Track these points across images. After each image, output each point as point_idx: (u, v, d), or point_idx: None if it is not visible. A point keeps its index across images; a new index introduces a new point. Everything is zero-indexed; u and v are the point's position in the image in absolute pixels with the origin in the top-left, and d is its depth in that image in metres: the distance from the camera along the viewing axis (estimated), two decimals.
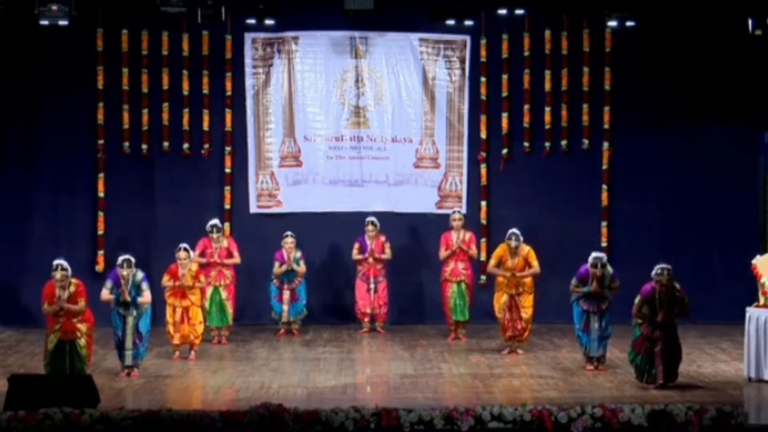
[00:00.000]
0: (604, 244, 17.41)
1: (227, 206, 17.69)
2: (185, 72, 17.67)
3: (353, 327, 17.20)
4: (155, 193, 17.82)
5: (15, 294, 17.41)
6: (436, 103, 17.96)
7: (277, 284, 16.64)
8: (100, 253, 17.43)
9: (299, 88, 17.88)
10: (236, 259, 16.26)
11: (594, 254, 14.02)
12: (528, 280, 15.14)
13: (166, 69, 17.63)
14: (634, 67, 17.87)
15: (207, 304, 15.89)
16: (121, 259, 13.69)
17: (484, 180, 17.94)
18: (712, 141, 17.98)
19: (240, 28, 17.54)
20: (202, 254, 15.95)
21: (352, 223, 17.32)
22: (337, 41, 17.88)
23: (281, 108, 17.89)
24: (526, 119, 17.96)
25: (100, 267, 17.18)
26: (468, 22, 16.99)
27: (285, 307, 16.60)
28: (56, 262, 13.06)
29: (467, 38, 17.89)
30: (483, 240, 17.60)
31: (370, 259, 16.79)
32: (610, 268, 13.97)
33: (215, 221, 16.33)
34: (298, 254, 16.58)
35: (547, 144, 17.98)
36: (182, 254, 14.80)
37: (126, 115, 17.62)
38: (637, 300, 12.99)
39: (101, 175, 17.61)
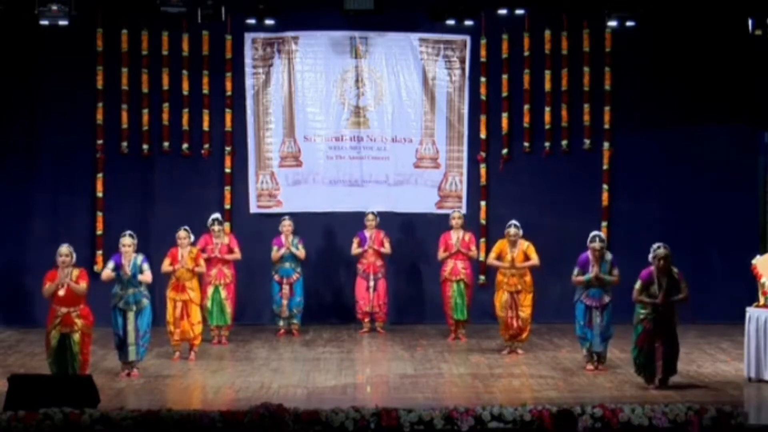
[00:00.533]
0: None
1: (227, 206, 17.69)
2: (185, 72, 17.67)
3: (353, 327, 17.20)
4: (155, 193, 17.83)
5: (15, 294, 17.41)
6: (436, 103, 17.96)
7: (277, 279, 16.65)
8: (99, 253, 17.43)
9: (299, 88, 17.89)
10: (237, 254, 16.26)
11: (593, 232, 14.18)
12: (528, 279, 15.16)
13: (166, 69, 17.64)
14: (634, 67, 17.88)
15: (209, 303, 15.92)
16: (125, 233, 13.82)
17: (483, 180, 17.94)
18: (712, 141, 17.99)
19: (240, 28, 17.55)
20: (203, 251, 15.94)
21: (352, 223, 17.32)
22: (337, 41, 17.89)
23: (281, 108, 17.89)
24: (526, 119, 17.97)
25: (99, 267, 17.16)
26: (468, 22, 17.00)
27: (284, 302, 16.63)
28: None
29: (467, 38, 17.90)
30: (482, 240, 17.60)
31: (370, 251, 16.79)
32: (610, 255, 14.05)
33: (217, 215, 16.36)
34: (297, 239, 16.62)
35: (547, 144, 17.99)
36: (182, 233, 14.89)
37: (125, 115, 17.63)
38: (637, 284, 13.01)
39: (100, 175, 17.62)
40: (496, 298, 15.25)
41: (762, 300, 13.49)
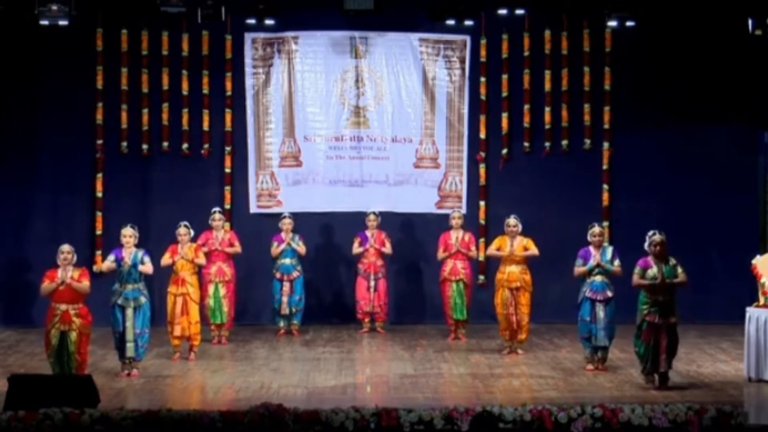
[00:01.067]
0: (604, 244, 17.39)
1: (227, 206, 17.68)
2: (185, 72, 17.68)
3: (353, 327, 17.20)
4: (155, 193, 17.83)
5: (15, 294, 17.41)
6: (436, 103, 17.97)
7: (278, 276, 16.66)
8: (99, 252, 17.42)
9: (299, 88, 17.89)
10: (237, 248, 16.27)
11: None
12: (527, 278, 15.15)
13: (165, 69, 17.64)
14: (634, 67, 17.88)
15: (211, 302, 15.94)
16: (126, 225, 13.87)
17: (483, 180, 17.94)
18: (712, 141, 17.99)
19: (240, 28, 17.55)
20: (203, 245, 15.93)
21: (352, 223, 17.32)
22: (337, 41, 17.89)
23: (281, 108, 17.89)
24: (526, 119, 17.97)
25: (98, 267, 17.15)
26: (468, 22, 17.00)
27: (284, 299, 16.64)
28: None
29: (467, 38, 17.90)
30: (482, 240, 17.60)
31: (371, 251, 16.80)
32: (611, 247, 14.21)
33: (218, 208, 16.42)
34: (297, 237, 16.64)
35: (547, 144, 17.99)
36: (182, 230, 14.96)
37: (125, 115, 17.63)
38: (635, 270, 13.02)
39: (100, 174, 17.63)
40: (497, 297, 15.24)
41: (762, 300, 13.49)
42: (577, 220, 16.78)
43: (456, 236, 16.35)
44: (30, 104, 17.69)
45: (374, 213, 16.94)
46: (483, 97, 17.95)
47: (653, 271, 12.96)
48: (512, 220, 15.17)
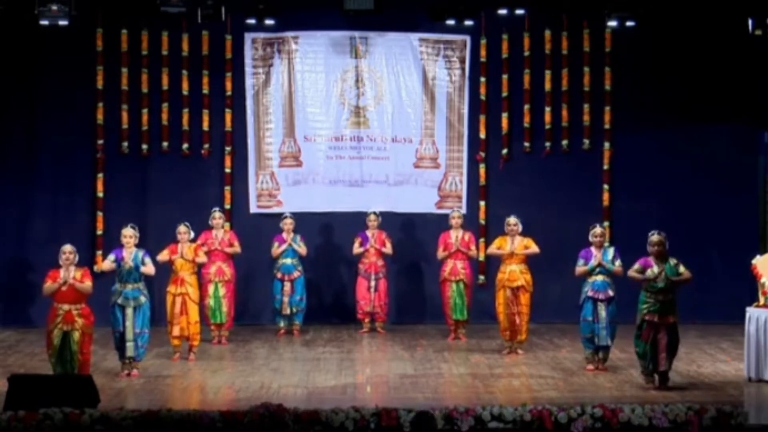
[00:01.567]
0: (606, 245, 17.39)
1: (227, 206, 17.68)
2: (185, 72, 17.68)
3: (353, 327, 17.20)
4: (155, 193, 17.82)
5: (15, 294, 17.42)
6: (436, 103, 17.97)
7: (279, 276, 16.67)
8: (99, 252, 17.42)
9: (299, 88, 17.89)
10: (237, 248, 16.28)
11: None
12: (528, 277, 15.15)
13: (165, 69, 17.64)
14: (634, 67, 17.88)
15: (211, 302, 15.95)
16: (126, 225, 13.89)
17: (483, 180, 17.94)
18: (712, 141, 18.00)
19: (240, 28, 17.55)
20: (203, 245, 15.93)
21: (352, 223, 17.33)
22: (337, 41, 17.89)
23: (281, 108, 17.89)
24: (526, 119, 17.97)
25: (98, 267, 17.16)
26: (468, 22, 17.00)
27: (285, 299, 16.64)
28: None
29: (467, 38, 17.90)
30: (482, 240, 17.60)
31: (371, 251, 16.80)
32: (612, 248, 14.22)
33: (217, 207, 16.45)
34: (298, 237, 16.65)
35: (547, 144, 17.99)
36: (182, 228, 14.98)
37: (125, 115, 17.63)
38: (635, 266, 13.02)
39: (100, 174, 17.63)
40: (498, 297, 15.24)
41: (762, 300, 13.49)
42: (578, 220, 16.79)
43: (456, 236, 16.35)
44: (30, 104, 17.70)
45: (374, 213, 16.96)
46: (483, 97, 17.95)
47: (653, 270, 12.96)
48: (512, 219, 15.18)
